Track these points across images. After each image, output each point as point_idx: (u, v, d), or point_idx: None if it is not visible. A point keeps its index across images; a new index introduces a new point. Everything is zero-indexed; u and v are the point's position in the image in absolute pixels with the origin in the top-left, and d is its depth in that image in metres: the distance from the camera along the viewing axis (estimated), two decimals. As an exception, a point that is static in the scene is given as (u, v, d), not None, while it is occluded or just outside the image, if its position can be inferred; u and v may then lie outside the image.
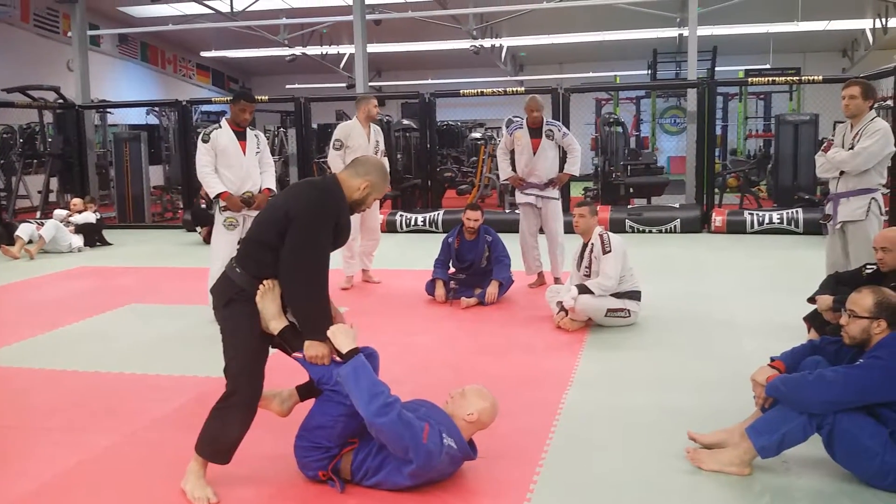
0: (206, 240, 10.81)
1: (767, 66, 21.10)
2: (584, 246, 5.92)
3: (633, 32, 21.18)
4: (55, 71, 18.30)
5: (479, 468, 3.31)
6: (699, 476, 3.29)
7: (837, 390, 3.06)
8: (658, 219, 11.24)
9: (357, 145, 7.07)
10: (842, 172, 5.26)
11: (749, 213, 11.12)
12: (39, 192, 14.57)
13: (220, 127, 5.98)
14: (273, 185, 6.18)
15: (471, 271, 6.86)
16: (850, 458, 3.13)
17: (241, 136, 5.99)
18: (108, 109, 17.15)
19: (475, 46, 21.20)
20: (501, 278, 6.66)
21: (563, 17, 19.65)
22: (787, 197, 12.01)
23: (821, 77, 11.64)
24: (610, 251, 5.67)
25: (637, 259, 6.00)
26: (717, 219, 11.10)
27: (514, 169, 7.37)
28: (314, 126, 16.29)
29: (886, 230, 4.54)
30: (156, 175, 15.61)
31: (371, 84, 20.13)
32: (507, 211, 12.30)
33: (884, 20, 19.11)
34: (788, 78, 14.55)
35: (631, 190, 13.34)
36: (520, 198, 7.43)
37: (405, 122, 15.40)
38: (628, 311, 5.78)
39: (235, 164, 5.96)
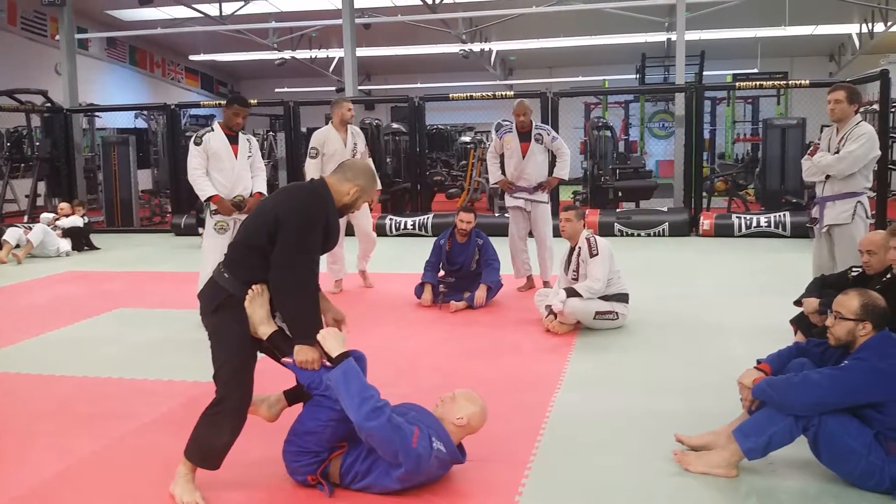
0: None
1: (755, 71, 21.20)
2: (572, 250, 5.93)
3: (622, 37, 21.27)
4: (43, 74, 18.22)
5: (467, 471, 3.32)
6: (686, 478, 3.30)
7: (822, 392, 3.09)
8: (646, 222, 11.28)
9: (333, 151, 7.06)
10: (828, 176, 5.30)
11: (737, 217, 11.18)
12: (27, 196, 14.50)
13: (213, 130, 6.00)
14: (264, 189, 6.19)
15: (460, 274, 6.87)
16: (835, 460, 3.15)
17: (233, 140, 6.02)
18: (97, 113, 17.10)
19: (464, 50, 21.24)
20: (490, 282, 6.67)
21: (552, 21, 19.71)
22: (774, 200, 12.08)
23: (807, 81, 11.72)
24: (597, 254, 5.69)
25: (625, 262, 6.03)
26: (705, 222, 11.16)
27: (503, 173, 7.39)
28: (303, 130, 16.29)
29: (872, 233, 4.58)
30: (144, 179, 15.56)
31: (360, 88, 20.14)
32: (497, 215, 12.31)
33: (870, 25, 19.27)
34: (776, 82, 14.63)
35: (620, 194, 13.39)
36: (509, 201, 7.45)
37: (394, 125, 15.42)
38: (616, 313, 5.80)
39: (227, 167, 5.98)
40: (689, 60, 14.52)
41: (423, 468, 3.06)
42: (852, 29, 21.03)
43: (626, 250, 5.80)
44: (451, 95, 13.00)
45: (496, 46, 23.86)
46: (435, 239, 7.10)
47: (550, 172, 7.39)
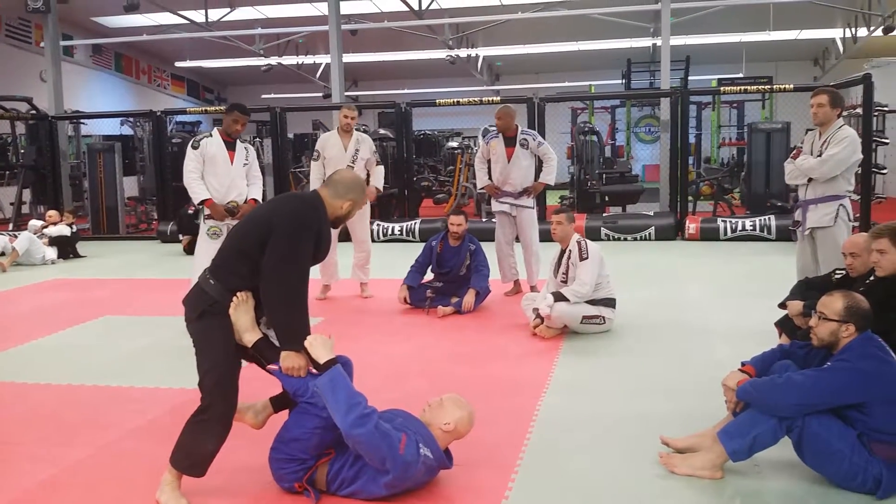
0: (186, 249, 10.77)
1: (740, 75, 21.34)
2: (562, 253, 5.95)
3: (608, 42, 21.37)
4: (28, 82, 18.15)
5: (454, 475, 3.32)
6: (672, 480, 3.32)
7: (806, 393, 3.11)
8: (633, 226, 11.33)
9: (332, 155, 7.10)
10: (810, 179, 5.34)
11: (722, 221, 11.24)
12: (12, 203, 14.42)
13: (211, 136, 6.07)
14: (259, 197, 6.23)
15: (448, 278, 6.87)
16: (819, 461, 3.18)
17: (230, 147, 6.07)
18: (82, 120, 17.01)
19: (451, 56, 21.28)
20: (479, 287, 6.68)
21: (538, 27, 19.79)
22: (759, 204, 12.15)
23: (792, 86, 11.81)
24: (587, 258, 5.72)
25: (612, 266, 6.05)
26: (691, 226, 11.22)
27: (490, 178, 7.41)
28: (290, 136, 16.27)
29: (855, 236, 4.61)
30: (130, 186, 15.50)
31: (347, 94, 20.14)
32: (484, 220, 12.34)
33: (854, 30, 19.43)
34: (760, 87, 14.74)
35: (606, 198, 13.45)
36: (495, 206, 7.47)
37: (382, 131, 15.41)
38: (603, 317, 5.82)
39: (222, 172, 6.02)
40: (674, 65, 14.62)
41: (410, 475, 3.06)
42: (836, 34, 21.20)
43: (612, 254, 5.83)
44: (438, 101, 13.02)
45: (483, 52, 23.93)
46: (427, 240, 7.11)
47: (537, 178, 7.42)
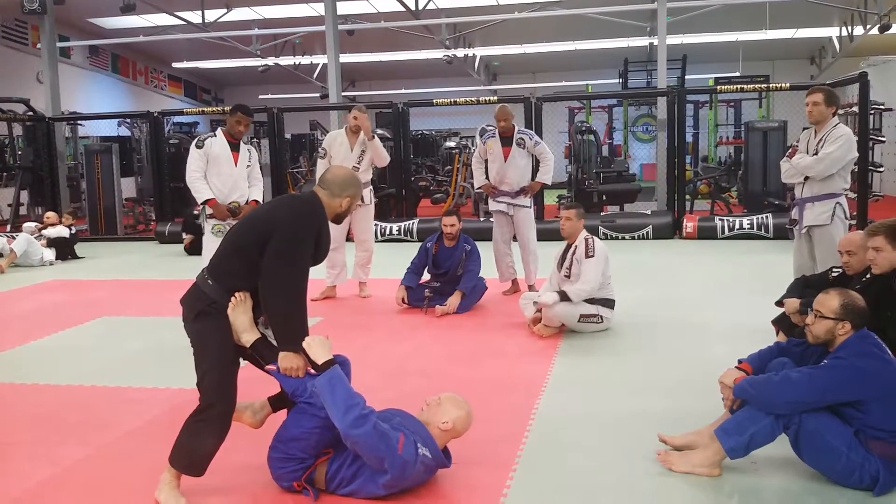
0: (188, 249, 10.77)
1: (737, 74, 21.36)
2: (568, 247, 5.95)
3: (605, 42, 21.39)
4: (25, 83, 18.15)
5: (452, 474, 3.33)
6: (670, 478, 3.33)
7: (802, 390, 3.13)
8: (630, 225, 11.35)
9: (337, 154, 7.13)
10: (807, 178, 5.35)
11: (719, 219, 11.27)
12: (9, 205, 14.41)
13: (215, 136, 6.09)
14: (260, 198, 6.26)
15: (446, 279, 6.87)
16: (816, 458, 3.19)
17: (234, 148, 6.10)
18: (79, 121, 17.02)
19: (448, 56, 21.29)
20: (464, 289, 6.67)
21: (535, 27, 19.81)
22: (756, 203, 12.16)
23: (788, 84, 11.83)
24: (593, 256, 5.71)
25: (610, 265, 6.05)
26: (689, 225, 11.24)
27: (487, 177, 7.42)
28: (287, 136, 16.27)
29: (851, 234, 4.63)
30: (128, 187, 15.50)
31: (344, 94, 20.14)
32: (482, 219, 12.35)
33: (850, 28, 19.45)
34: (757, 85, 14.76)
35: (604, 197, 13.46)
36: (492, 205, 7.49)
37: (379, 131, 15.35)
38: (601, 316, 5.82)
39: (225, 172, 6.05)
40: (671, 64, 14.64)
41: (408, 474, 3.07)
42: (832, 32, 21.23)
43: (610, 253, 5.85)
44: (435, 101, 13.03)
45: (480, 52, 23.94)
46: (423, 241, 7.12)
47: (534, 177, 7.43)
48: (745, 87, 14.21)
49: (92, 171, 13.64)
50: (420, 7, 17.02)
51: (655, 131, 13.81)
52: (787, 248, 6.40)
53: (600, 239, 10.80)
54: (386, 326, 6.37)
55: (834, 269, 4.65)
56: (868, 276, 4.05)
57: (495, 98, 13.24)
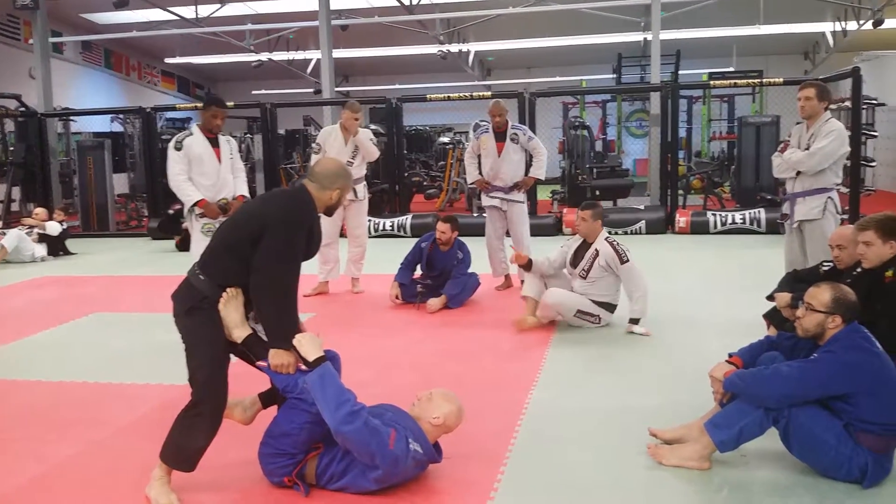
0: (179, 246, 10.74)
1: (731, 69, 21.36)
2: (584, 246, 5.84)
3: (599, 37, 21.34)
4: (17, 79, 18.04)
5: (443, 469, 3.33)
6: (660, 471, 3.34)
7: (792, 384, 3.14)
8: (624, 220, 11.36)
9: (331, 149, 7.10)
10: (798, 172, 5.36)
11: (712, 214, 11.29)
12: (1, 201, 14.35)
13: (192, 134, 5.80)
14: (246, 191, 6.03)
15: (439, 281, 6.85)
16: (806, 451, 3.20)
17: (214, 143, 5.82)
18: (72, 117, 16.96)
19: (442, 51, 21.25)
20: (449, 294, 6.66)
21: (529, 22, 19.76)
22: (749, 197, 12.20)
23: (781, 79, 11.84)
24: (628, 261, 5.67)
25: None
26: (681, 220, 11.25)
27: (480, 173, 7.42)
28: (281, 132, 16.24)
29: (842, 228, 4.64)
30: (120, 183, 15.46)
31: (338, 89, 20.11)
32: (476, 215, 12.34)
33: (843, 23, 19.48)
34: (750, 81, 14.77)
35: (597, 192, 13.46)
36: (485, 201, 7.48)
37: (373, 126, 15.39)
38: (599, 317, 5.82)
39: (211, 171, 5.79)
40: (664, 60, 14.62)
41: (399, 470, 3.07)
42: (826, 27, 21.23)
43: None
44: (428, 96, 13.02)
45: (474, 47, 23.89)
46: (418, 239, 7.10)
47: (527, 173, 7.42)
48: (739, 82, 14.24)
49: (84, 167, 13.60)
50: (414, 2, 16.99)
51: (648, 127, 13.83)
52: (779, 242, 6.42)
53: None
54: (378, 322, 6.37)
55: (825, 264, 4.66)
56: (858, 270, 4.06)
57: (489, 93, 13.25)
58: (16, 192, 14.40)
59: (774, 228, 10.25)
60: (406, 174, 13.86)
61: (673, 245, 10.21)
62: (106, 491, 3.31)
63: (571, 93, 19.07)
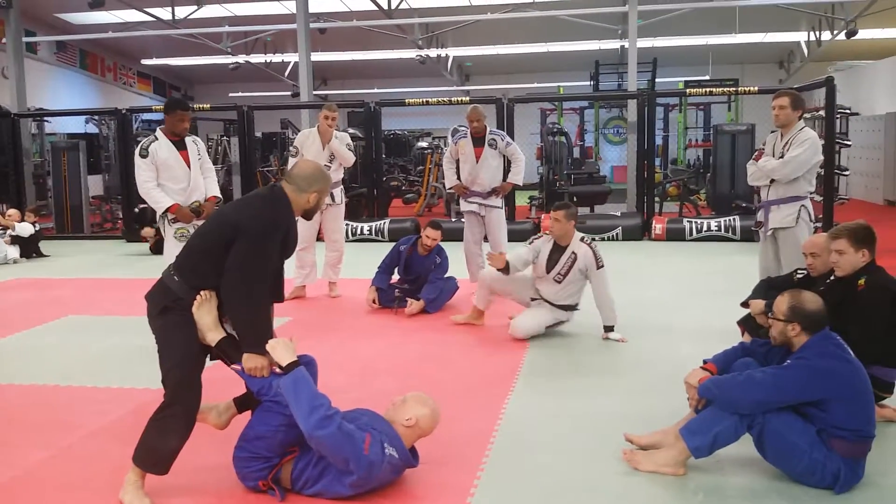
0: (153, 249, 10.65)
1: (707, 78, 21.56)
2: (560, 250, 5.75)
3: (577, 44, 21.48)
4: (-11, 79, 17.83)
5: (420, 473, 3.33)
6: (636, 477, 3.36)
7: (765, 390, 3.17)
8: (600, 227, 11.41)
9: (308, 153, 7.08)
10: (773, 180, 5.42)
11: (688, 221, 11.37)
12: (-26, 202, 14.17)
13: (157, 139, 5.62)
14: (217, 191, 5.89)
15: (416, 286, 6.84)
16: (779, 457, 3.23)
17: (180, 146, 5.66)
18: (46, 118, 16.76)
19: (421, 56, 21.27)
20: (426, 298, 6.66)
21: (507, 28, 19.84)
22: (724, 205, 12.29)
23: (756, 88, 11.96)
24: (603, 266, 5.69)
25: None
26: (658, 227, 11.33)
27: (459, 178, 7.43)
28: (258, 135, 16.14)
29: (815, 236, 4.69)
30: (95, 185, 15.29)
31: (316, 93, 20.06)
32: (454, 220, 12.35)
33: (818, 33, 19.73)
34: (726, 89, 14.91)
35: (574, 199, 13.49)
36: (464, 206, 7.49)
37: (351, 130, 15.37)
38: (564, 321, 5.90)
39: (181, 175, 5.64)
40: (641, 67, 14.73)
41: (375, 475, 3.06)
42: (801, 37, 21.51)
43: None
44: (407, 101, 13.01)
45: (452, 52, 23.94)
46: (395, 243, 7.08)
47: (506, 178, 7.44)
48: (715, 90, 14.37)
49: (58, 169, 13.46)
50: (393, 6, 16.99)
51: (626, 134, 13.92)
52: (753, 249, 6.48)
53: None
54: (355, 326, 6.35)
55: (799, 271, 4.71)
56: (832, 278, 4.11)
57: (468, 98, 13.26)
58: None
59: (749, 236, 10.35)
60: (384, 178, 13.84)
61: (649, 252, 10.28)
62: (79, 496, 3.28)
63: (549, 99, 19.15)
